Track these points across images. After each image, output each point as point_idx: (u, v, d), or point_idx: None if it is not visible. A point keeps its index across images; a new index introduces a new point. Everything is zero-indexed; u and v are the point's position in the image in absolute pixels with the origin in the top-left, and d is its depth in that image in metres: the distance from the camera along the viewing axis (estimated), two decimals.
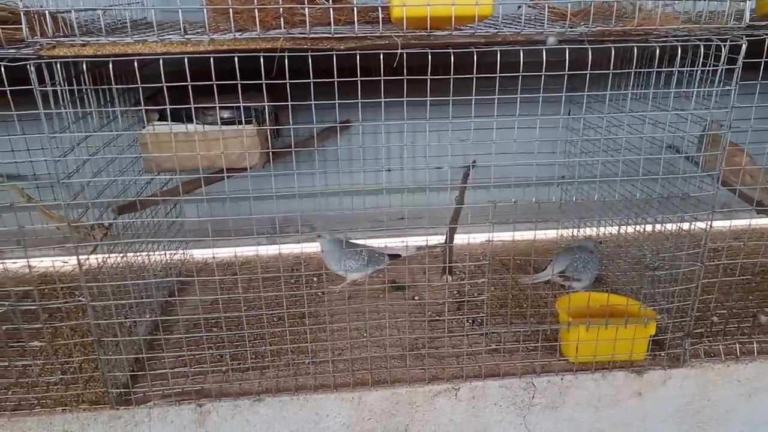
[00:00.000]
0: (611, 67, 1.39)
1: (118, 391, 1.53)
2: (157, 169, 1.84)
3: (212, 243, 2.30)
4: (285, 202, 2.32)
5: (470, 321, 1.89)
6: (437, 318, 1.93)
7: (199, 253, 2.39)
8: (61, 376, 1.60)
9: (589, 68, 1.38)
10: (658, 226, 1.73)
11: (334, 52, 1.27)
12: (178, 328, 1.88)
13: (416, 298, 2.05)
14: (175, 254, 2.22)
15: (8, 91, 1.18)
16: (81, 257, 1.37)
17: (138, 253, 1.80)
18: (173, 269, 2.20)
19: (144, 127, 1.81)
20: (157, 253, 2.02)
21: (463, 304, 1.98)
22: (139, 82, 1.29)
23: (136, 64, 1.23)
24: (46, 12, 1.18)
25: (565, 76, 1.39)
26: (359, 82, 1.31)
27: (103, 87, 1.31)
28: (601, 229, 2.27)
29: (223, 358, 1.72)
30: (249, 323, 1.82)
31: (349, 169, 2.36)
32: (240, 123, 1.80)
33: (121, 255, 1.57)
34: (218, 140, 1.81)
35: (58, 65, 1.21)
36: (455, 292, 2.06)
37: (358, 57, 1.28)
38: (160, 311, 1.93)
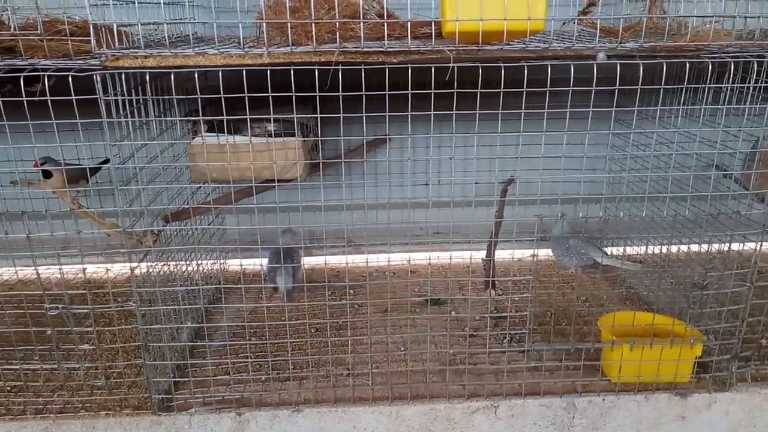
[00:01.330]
0: (662, 83, 1.38)
1: (161, 396, 1.55)
2: (204, 179, 1.88)
3: (257, 253, 2.37)
4: (324, 215, 2.34)
5: (509, 337, 1.87)
6: (475, 333, 1.91)
7: (236, 263, 2.42)
8: (106, 380, 1.63)
9: (639, 83, 1.37)
10: (704, 246, 1.70)
11: (386, 65, 1.29)
12: (219, 335, 1.90)
13: (453, 313, 2.04)
14: (216, 263, 2.25)
15: (74, 101, 1.23)
16: (133, 263, 1.40)
17: (185, 261, 1.83)
18: (214, 278, 2.23)
19: (193, 139, 1.86)
20: (201, 261, 2.05)
21: (501, 320, 1.97)
22: (198, 92, 1.32)
23: (196, 75, 1.27)
24: (113, 25, 1.23)
25: (616, 92, 1.39)
26: (410, 96, 1.32)
27: (164, 97, 1.35)
28: (646, 248, 2.24)
29: (263, 367, 1.73)
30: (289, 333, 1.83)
31: (387, 182, 2.38)
32: (286, 135, 1.83)
33: (170, 262, 1.60)
34: (264, 152, 1.85)
35: (122, 76, 1.26)
36: (493, 308, 2.04)
37: (410, 71, 1.30)
38: (200, 319, 1.95)
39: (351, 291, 2.19)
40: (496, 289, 1.42)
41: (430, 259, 1.72)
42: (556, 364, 1.71)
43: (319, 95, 1.32)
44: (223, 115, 1.47)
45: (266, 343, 1.73)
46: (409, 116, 1.36)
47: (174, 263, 1.64)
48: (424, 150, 2.37)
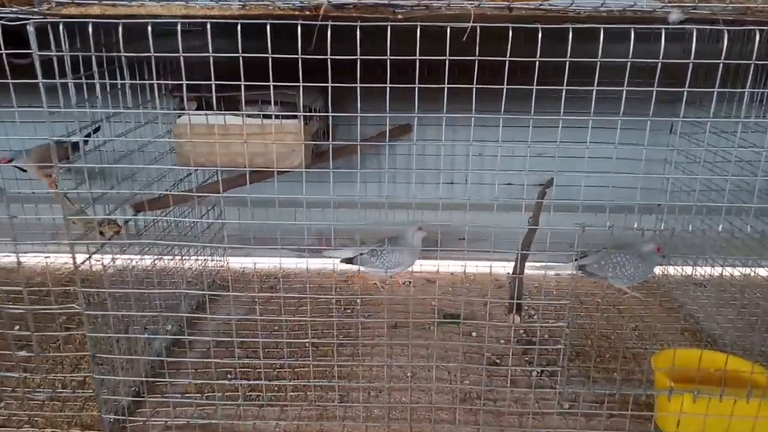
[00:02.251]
0: (753, 57, 1.04)
1: (115, 417, 1.31)
2: (191, 164, 1.64)
3: (250, 252, 2.12)
4: (333, 212, 2.08)
5: (539, 371, 1.56)
6: (498, 362, 1.60)
7: (238, 262, 2.18)
8: (55, 393, 1.40)
9: (723, 56, 1.04)
10: None
11: (389, 23, 1.01)
12: (200, 348, 1.66)
13: (474, 334, 1.73)
14: (207, 261, 2.01)
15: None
16: (80, 256, 1.17)
17: (160, 257, 1.60)
18: (207, 278, 2.00)
19: (179, 117, 1.63)
20: (185, 258, 1.81)
21: (530, 349, 1.65)
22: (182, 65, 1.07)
23: (150, 28, 1.02)
24: None
25: (688, 71, 1.06)
26: (417, 65, 1.03)
27: (111, 54, 1.10)
28: (704, 269, 1.88)
29: (241, 388, 1.47)
30: (272, 351, 1.58)
31: (406, 180, 2.10)
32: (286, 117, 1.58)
33: (136, 258, 1.35)
34: (258, 136, 1.60)
35: (62, 28, 1.02)
36: (522, 332, 1.73)
37: (418, 31, 1.01)
38: (178, 328, 1.71)
39: (358, 302, 1.92)
40: (521, 313, 1.11)
41: (436, 268, 1.40)
42: (596, 409, 1.38)
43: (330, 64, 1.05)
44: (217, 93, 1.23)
45: (242, 362, 1.47)
46: (445, 92, 1.07)
47: (140, 259, 1.40)
48: (447, 144, 2.07)
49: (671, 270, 2.01)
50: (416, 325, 1.76)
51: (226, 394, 1.44)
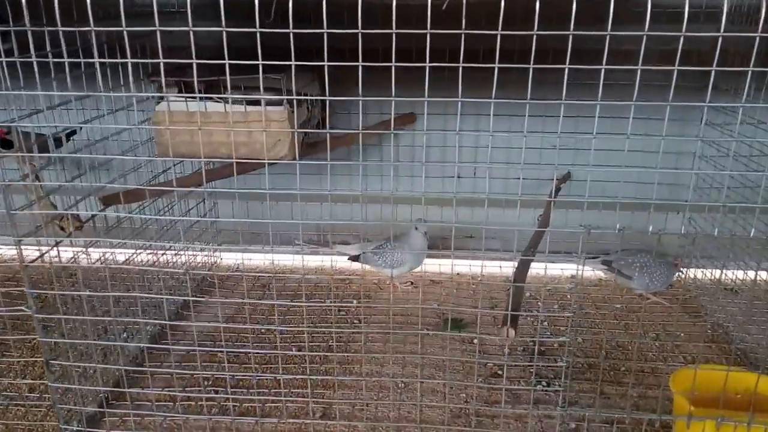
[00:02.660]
0: None
1: (77, 429, 1.21)
2: (170, 154, 1.53)
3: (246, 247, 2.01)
4: (330, 207, 1.96)
5: (543, 384, 1.41)
6: (500, 374, 1.46)
7: (231, 258, 2.07)
8: (21, 398, 1.32)
9: (760, 30, 0.87)
10: None
11: None
12: (176, 354, 1.55)
13: (476, 341, 1.59)
14: (196, 257, 1.91)
15: None
16: (34, 253, 1.07)
17: (137, 254, 1.50)
18: (195, 276, 1.89)
19: (157, 104, 1.52)
20: (164, 255, 1.71)
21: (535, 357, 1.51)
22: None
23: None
24: None
25: (718, 45, 0.90)
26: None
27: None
28: (736, 273, 1.70)
29: (215, 402, 1.36)
30: (255, 358, 1.46)
31: (410, 173, 1.96)
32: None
33: (107, 255, 1.25)
34: (241, 124, 1.48)
35: None
36: (530, 341, 1.58)
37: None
38: (160, 329, 1.61)
39: (355, 302, 1.79)
40: (517, 326, 0.97)
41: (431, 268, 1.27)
42: (605, 430, 1.23)
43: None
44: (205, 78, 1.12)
45: (214, 374, 1.36)
46: (460, 71, 0.92)
47: (109, 256, 1.29)
48: (453, 135, 1.92)
49: (698, 274, 1.83)
50: (414, 330, 1.63)
51: (200, 404, 1.34)
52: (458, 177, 2.00)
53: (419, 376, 1.39)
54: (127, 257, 1.48)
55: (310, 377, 1.14)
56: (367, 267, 1.88)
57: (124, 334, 1.58)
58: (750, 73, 0.85)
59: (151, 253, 1.68)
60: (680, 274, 1.75)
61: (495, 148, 1.92)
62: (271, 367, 1.47)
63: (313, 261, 2.05)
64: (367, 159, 2.00)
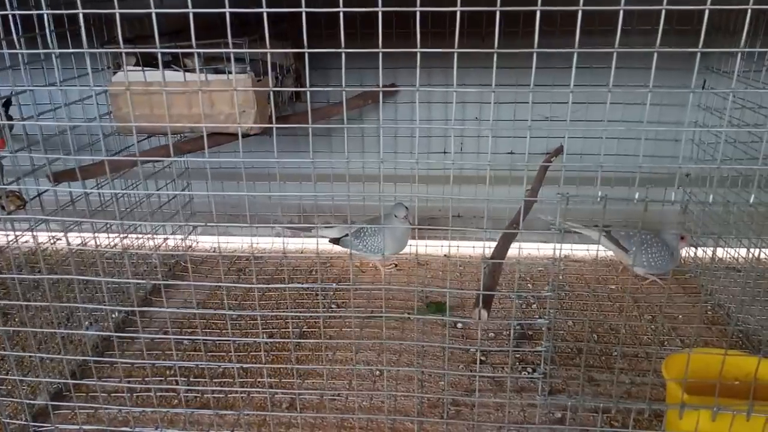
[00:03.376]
0: None
1: (21, 423, 1.13)
2: (129, 130, 1.44)
3: (223, 230, 1.91)
4: (299, 186, 1.86)
5: (529, 370, 1.32)
6: (483, 360, 1.37)
7: (209, 241, 1.98)
8: None
9: None
10: None
11: None
12: (149, 333, 1.47)
13: (459, 326, 1.50)
14: (168, 240, 1.82)
15: None
16: None
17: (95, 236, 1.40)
18: (167, 259, 1.81)
19: (114, 74, 1.42)
20: (126, 237, 1.62)
21: (522, 342, 1.41)
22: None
23: None
24: None
25: None
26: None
27: None
28: (739, 250, 1.59)
29: (168, 399, 1.27)
30: (223, 346, 1.37)
31: (393, 148, 1.86)
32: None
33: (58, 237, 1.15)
34: (204, 93, 1.38)
35: None
36: (516, 323, 1.48)
37: None
38: (126, 315, 1.53)
39: (334, 287, 1.70)
40: (490, 308, 0.87)
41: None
42: (591, 418, 1.14)
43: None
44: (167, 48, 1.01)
45: (178, 363, 1.28)
46: (456, 34, 0.82)
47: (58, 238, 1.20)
48: (441, 107, 1.81)
49: (698, 252, 1.72)
50: (399, 316, 1.54)
51: (159, 395, 1.25)
52: (444, 152, 1.90)
53: (385, 363, 1.29)
54: (91, 240, 1.38)
55: (265, 366, 1.05)
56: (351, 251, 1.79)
57: (87, 322, 1.49)
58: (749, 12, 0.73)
59: (122, 236, 1.59)
60: (687, 250, 1.63)
61: (484, 120, 1.83)
62: (240, 355, 1.39)
63: (294, 243, 1.96)
64: (348, 133, 1.89)
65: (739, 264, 1.60)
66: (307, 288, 1.65)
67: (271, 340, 1.43)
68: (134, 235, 1.68)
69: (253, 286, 0.97)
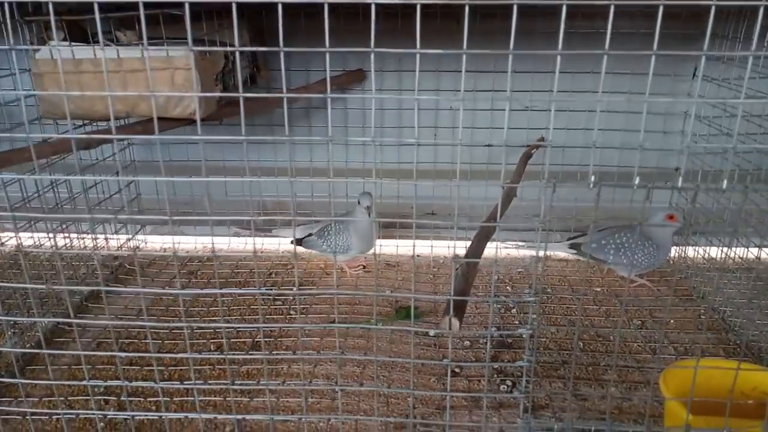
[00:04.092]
0: None
1: None
2: (54, 113, 1.26)
3: (173, 229, 1.73)
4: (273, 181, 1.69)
5: (508, 383, 1.17)
6: (458, 372, 1.22)
7: (159, 241, 1.81)
8: None
9: None
10: None
11: None
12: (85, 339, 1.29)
13: (430, 333, 1.35)
14: (110, 240, 1.64)
15: None
16: None
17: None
18: (109, 262, 1.63)
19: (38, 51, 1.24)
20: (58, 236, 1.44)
21: (501, 353, 1.27)
22: None
23: None
24: None
25: None
26: None
27: None
28: (736, 250, 1.47)
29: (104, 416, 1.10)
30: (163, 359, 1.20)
31: (362, 138, 1.71)
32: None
33: None
34: (137, 73, 1.21)
35: None
36: (495, 331, 1.34)
37: None
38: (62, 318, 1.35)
39: (294, 290, 1.53)
40: (462, 316, 0.73)
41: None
42: None
43: None
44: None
45: (104, 383, 1.11)
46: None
47: None
48: (413, 95, 1.67)
49: (690, 252, 1.60)
50: (358, 320, 1.38)
51: (84, 417, 1.08)
52: (417, 144, 1.74)
53: (346, 377, 1.13)
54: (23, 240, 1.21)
55: (193, 385, 0.88)
56: (313, 252, 1.64)
57: (11, 332, 1.31)
58: None
59: (51, 235, 1.42)
60: (680, 228, 1.48)
61: (460, 111, 1.69)
62: (182, 370, 1.22)
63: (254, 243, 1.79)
64: (311, 124, 1.73)
65: (735, 264, 1.48)
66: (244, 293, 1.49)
67: (200, 355, 1.26)
68: (74, 235, 1.50)
69: (179, 292, 0.80)
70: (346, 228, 1.51)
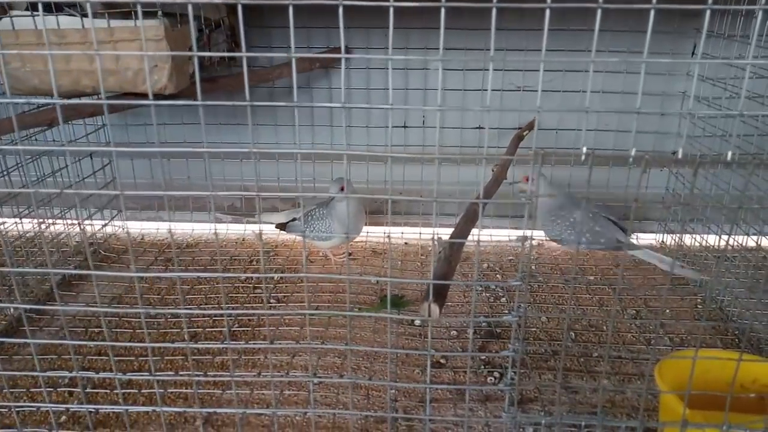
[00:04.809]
0: None
1: None
2: (20, 89, 1.19)
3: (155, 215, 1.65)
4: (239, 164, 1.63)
5: (497, 375, 1.11)
6: (443, 363, 1.16)
7: (137, 227, 1.74)
8: None
9: None
10: None
11: None
12: (57, 325, 1.23)
13: (417, 322, 1.29)
14: (86, 225, 1.57)
15: None
16: None
17: None
18: (82, 248, 1.56)
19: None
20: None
21: (490, 341, 1.21)
22: None
23: None
24: None
25: None
26: None
27: None
28: (735, 238, 1.41)
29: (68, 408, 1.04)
30: (124, 353, 1.13)
31: (347, 122, 1.64)
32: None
33: None
34: (107, 44, 1.14)
35: None
36: (482, 320, 1.28)
37: None
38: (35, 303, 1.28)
39: (273, 280, 1.47)
40: (443, 303, 0.67)
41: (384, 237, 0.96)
42: None
43: None
44: None
45: (77, 374, 1.04)
46: None
47: None
48: (401, 74, 1.59)
49: (686, 239, 1.54)
50: (341, 309, 1.32)
51: (46, 410, 1.02)
52: (404, 126, 1.68)
53: (325, 368, 1.07)
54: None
55: (155, 376, 0.82)
56: (297, 238, 1.57)
57: None
58: None
59: (18, 220, 1.35)
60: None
61: (448, 90, 1.62)
62: (153, 360, 1.15)
63: (236, 230, 1.72)
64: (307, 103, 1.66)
65: (734, 252, 1.42)
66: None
67: (172, 345, 1.20)
68: (49, 220, 1.43)
69: (129, 275, 0.74)
70: (328, 214, 1.44)
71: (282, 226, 1.55)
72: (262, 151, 0.65)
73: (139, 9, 0.64)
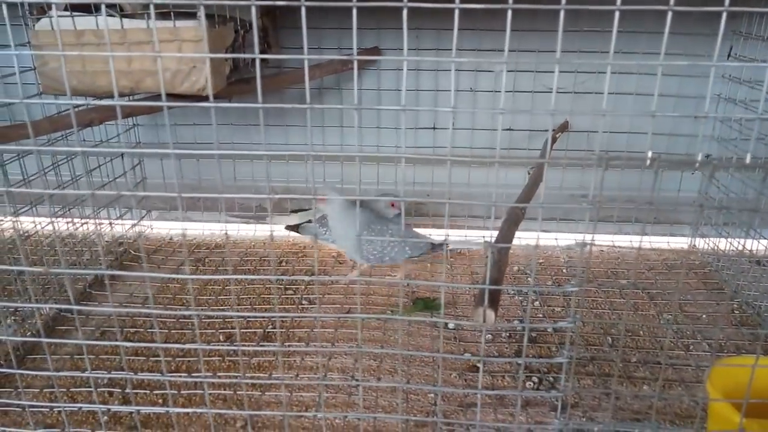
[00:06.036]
0: None
1: None
2: (56, 89, 1.19)
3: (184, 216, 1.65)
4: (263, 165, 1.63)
5: (535, 380, 1.10)
6: (479, 366, 1.16)
7: (166, 227, 1.74)
8: None
9: None
10: None
11: None
12: (90, 327, 1.23)
13: (450, 326, 1.28)
14: (115, 226, 1.57)
15: None
16: None
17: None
18: (113, 248, 1.57)
19: (38, 21, 1.17)
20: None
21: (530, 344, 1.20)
22: None
23: None
24: None
25: None
26: None
27: None
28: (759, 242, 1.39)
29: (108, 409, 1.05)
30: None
31: (376, 123, 1.63)
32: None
33: None
34: (146, 44, 1.14)
35: None
36: (517, 324, 1.27)
37: None
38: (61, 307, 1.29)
39: (304, 286, 1.47)
40: (496, 308, 0.66)
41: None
42: None
43: None
44: None
45: (109, 375, 1.05)
46: None
47: None
48: (431, 75, 1.58)
49: (721, 244, 1.52)
50: (376, 313, 1.31)
51: (87, 411, 1.02)
52: (434, 128, 1.67)
53: (361, 372, 1.07)
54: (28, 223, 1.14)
55: (203, 378, 0.82)
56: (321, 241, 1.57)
57: (10, 319, 1.26)
58: None
59: (53, 219, 1.35)
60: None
61: (480, 92, 1.61)
62: (190, 362, 1.15)
63: (264, 230, 1.72)
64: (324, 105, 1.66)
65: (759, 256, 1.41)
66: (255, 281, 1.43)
67: (209, 346, 1.21)
68: (78, 220, 1.44)
69: (189, 277, 0.74)
70: (382, 232, 1.41)
71: (293, 228, 1.53)
72: (317, 153, 0.65)
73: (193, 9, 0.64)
